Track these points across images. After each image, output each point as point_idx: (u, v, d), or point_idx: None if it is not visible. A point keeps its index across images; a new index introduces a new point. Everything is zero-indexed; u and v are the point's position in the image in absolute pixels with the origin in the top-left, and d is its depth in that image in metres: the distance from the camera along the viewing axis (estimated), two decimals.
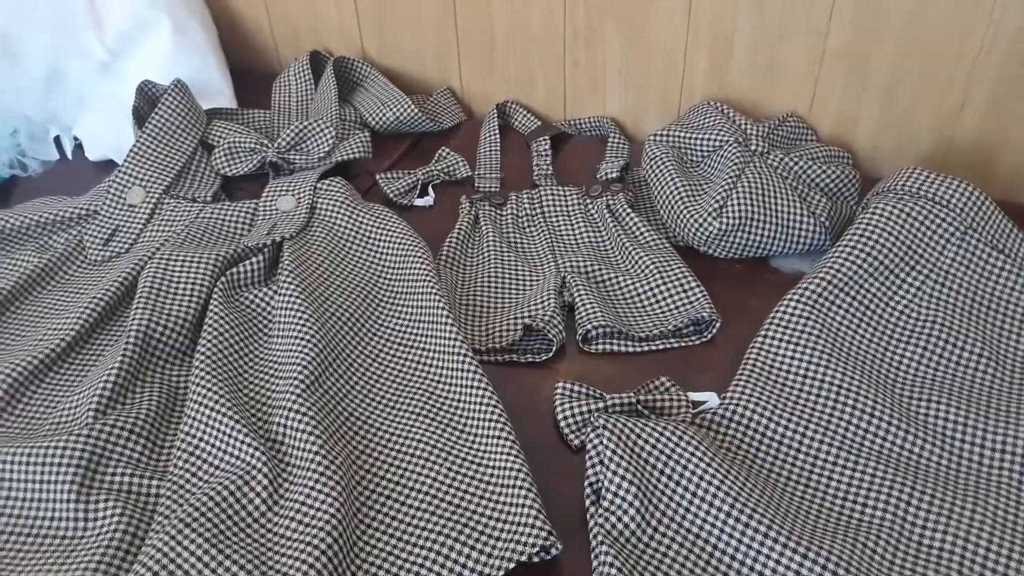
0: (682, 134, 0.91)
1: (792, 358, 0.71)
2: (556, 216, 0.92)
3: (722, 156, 0.88)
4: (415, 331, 0.79)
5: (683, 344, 0.78)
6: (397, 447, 0.70)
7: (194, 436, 0.70)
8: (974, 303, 0.75)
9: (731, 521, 0.60)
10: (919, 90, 0.90)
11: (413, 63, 1.14)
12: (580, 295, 0.80)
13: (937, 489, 0.63)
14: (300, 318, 0.77)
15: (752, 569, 0.59)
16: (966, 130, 0.90)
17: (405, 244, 0.84)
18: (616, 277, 0.83)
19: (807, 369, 0.70)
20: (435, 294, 0.78)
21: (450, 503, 0.65)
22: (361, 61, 1.12)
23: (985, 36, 0.84)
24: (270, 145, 0.98)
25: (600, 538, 0.60)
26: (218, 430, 0.69)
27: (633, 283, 0.83)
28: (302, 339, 0.75)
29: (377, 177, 0.98)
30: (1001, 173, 0.92)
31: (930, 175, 0.77)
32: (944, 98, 0.89)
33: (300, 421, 0.68)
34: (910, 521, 0.62)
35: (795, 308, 0.73)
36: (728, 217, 0.82)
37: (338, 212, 0.90)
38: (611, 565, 0.58)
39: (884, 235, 0.75)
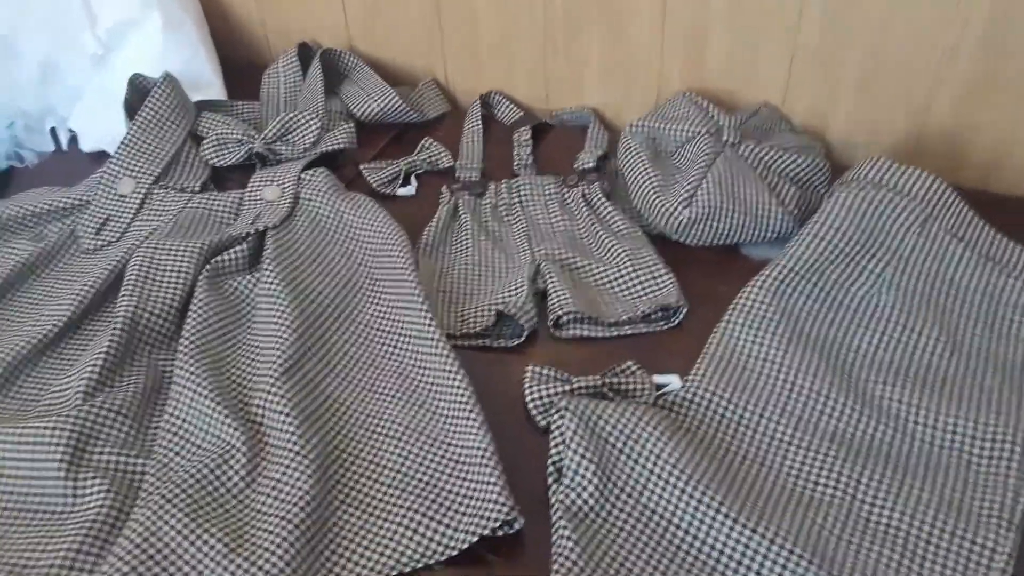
0: (657, 125, 0.93)
1: (752, 343, 0.74)
2: (533, 205, 0.95)
3: (695, 147, 0.90)
4: (392, 317, 0.81)
5: (651, 330, 0.81)
6: (371, 428, 0.73)
7: (178, 417, 0.73)
8: (933, 289, 0.77)
9: (685, 497, 0.63)
10: (891, 80, 0.91)
11: (399, 55, 1.17)
12: (553, 282, 0.83)
13: (887, 468, 0.66)
14: (281, 305, 0.80)
15: (704, 543, 0.62)
16: (937, 120, 0.92)
17: (385, 233, 0.87)
18: (589, 264, 0.86)
19: (766, 353, 0.73)
20: (412, 282, 0.81)
21: (420, 480, 0.68)
22: (348, 53, 1.14)
23: (956, 27, 0.85)
24: (257, 136, 1.00)
25: (560, 513, 0.63)
26: (201, 411, 0.72)
27: (605, 270, 0.85)
28: (282, 325, 0.78)
29: (360, 167, 1.01)
30: (972, 162, 0.94)
31: (892, 165, 0.79)
32: (915, 88, 0.91)
33: (278, 403, 0.71)
34: (859, 499, 0.65)
35: (756, 295, 0.75)
36: (698, 207, 0.84)
37: (321, 202, 0.93)
38: (568, 539, 0.61)
39: (845, 224, 0.77)
